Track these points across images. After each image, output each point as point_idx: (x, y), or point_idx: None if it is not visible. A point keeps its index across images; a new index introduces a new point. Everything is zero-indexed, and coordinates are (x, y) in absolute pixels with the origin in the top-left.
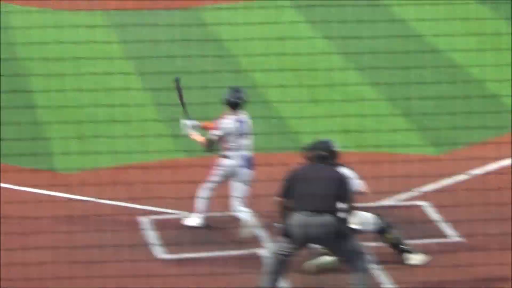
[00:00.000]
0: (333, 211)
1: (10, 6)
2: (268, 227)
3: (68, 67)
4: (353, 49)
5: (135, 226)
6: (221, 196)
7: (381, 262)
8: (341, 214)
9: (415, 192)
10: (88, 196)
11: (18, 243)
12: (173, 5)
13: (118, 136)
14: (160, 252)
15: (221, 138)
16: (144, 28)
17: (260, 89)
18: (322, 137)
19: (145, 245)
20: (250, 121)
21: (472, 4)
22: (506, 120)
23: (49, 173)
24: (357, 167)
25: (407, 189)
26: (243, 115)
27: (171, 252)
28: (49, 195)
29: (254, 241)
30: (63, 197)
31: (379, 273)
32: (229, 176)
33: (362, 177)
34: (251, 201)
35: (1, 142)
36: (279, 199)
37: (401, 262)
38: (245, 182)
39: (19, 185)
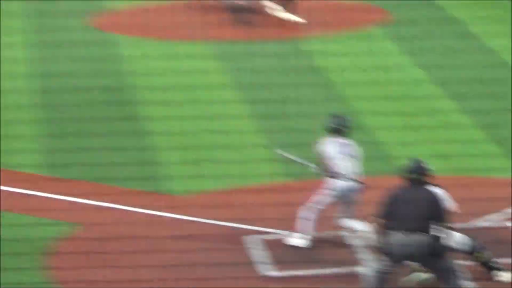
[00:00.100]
0: (428, 230)
1: (130, 39)
2: (367, 247)
3: (183, 96)
4: (447, 78)
5: (244, 246)
6: (322, 216)
7: (473, 279)
8: (436, 233)
9: (504, 214)
10: (206, 218)
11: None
12: (282, 37)
13: (233, 161)
14: (264, 270)
15: (328, 161)
16: (255, 58)
17: (358, 115)
18: (416, 160)
19: (251, 264)
20: (356, 146)
21: None
22: None
23: (167, 196)
24: (450, 189)
25: (497, 211)
26: (346, 140)
27: (274, 270)
28: (170, 217)
29: (354, 260)
30: (182, 219)
31: None
32: (338, 197)
33: (454, 198)
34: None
35: (120, 166)
36: (379, 219)
37: (491, 279)
38: (353, 203)
39: (135, 206)
